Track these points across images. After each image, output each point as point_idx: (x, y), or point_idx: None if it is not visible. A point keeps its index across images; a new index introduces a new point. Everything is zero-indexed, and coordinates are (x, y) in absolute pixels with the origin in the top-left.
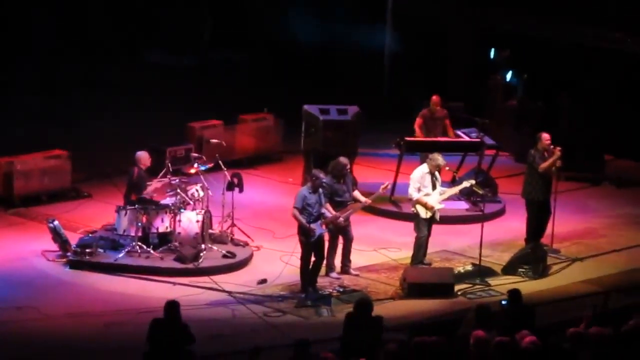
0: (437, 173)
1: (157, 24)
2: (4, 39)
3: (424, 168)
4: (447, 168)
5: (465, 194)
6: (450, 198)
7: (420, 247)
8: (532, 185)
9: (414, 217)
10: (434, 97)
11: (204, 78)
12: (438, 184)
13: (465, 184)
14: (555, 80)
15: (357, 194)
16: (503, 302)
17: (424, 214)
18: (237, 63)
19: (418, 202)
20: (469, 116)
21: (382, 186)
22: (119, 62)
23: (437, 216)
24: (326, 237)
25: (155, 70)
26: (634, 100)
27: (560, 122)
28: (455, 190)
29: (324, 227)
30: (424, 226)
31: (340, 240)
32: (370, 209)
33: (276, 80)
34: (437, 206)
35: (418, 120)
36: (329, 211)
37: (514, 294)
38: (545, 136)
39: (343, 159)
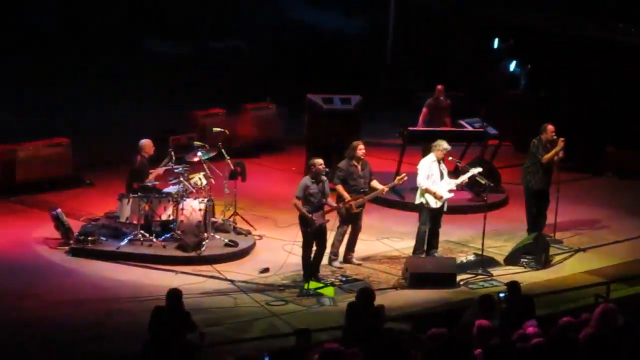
0: (443, 163)
1: (159, 12)
2: (2, 29)
3: (431, 157)
4: (450, 158)
5: (468, 185)
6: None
7: (422, 239)
8: (532, 174)
9: (418, 208)
10: (439, 86)
11: (206, 67)
12: (445, 174)
13: (473, 170)
14: (558, 70)
15: (375, 183)
16: (501, 295)
17: (433, 203)
18: (240, 52)
19: (427, 191)
20: (471, 106)
21: (399, 177)
22: (121, 51)
23: (445, 207)
24: (333, 225)
25: (157, 59)
26: (636, 91)
27: (562, 112)
28: (464, 178)
29: (325, 217)
30: (427, 218)
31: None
32: (372, 198)
33: (279, 70)
34: (446, 195)
35: (424, 110)
36: (334, 200)
37: (513, 286)
38: (551, 128)
39: (356, 141)
